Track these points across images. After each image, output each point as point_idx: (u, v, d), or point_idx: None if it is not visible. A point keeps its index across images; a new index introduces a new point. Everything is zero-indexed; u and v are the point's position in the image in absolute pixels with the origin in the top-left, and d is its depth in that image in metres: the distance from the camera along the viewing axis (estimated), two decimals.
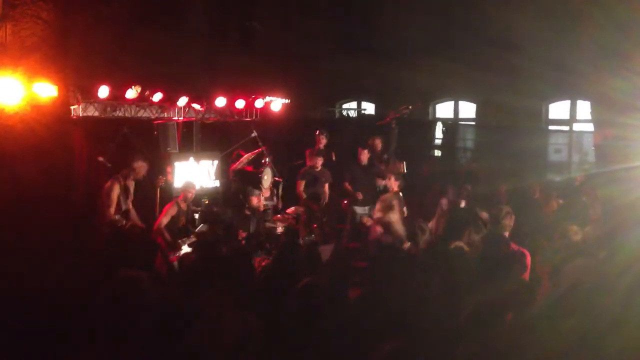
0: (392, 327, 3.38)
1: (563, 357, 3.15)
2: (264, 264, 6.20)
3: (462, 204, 7.26)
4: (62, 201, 4.77)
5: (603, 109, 4.06)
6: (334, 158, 9.21)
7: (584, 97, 10.64)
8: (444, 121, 12.76)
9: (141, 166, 7.04)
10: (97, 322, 3.31)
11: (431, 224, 6.95)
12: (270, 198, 8.22)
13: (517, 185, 7.60)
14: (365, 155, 8.59)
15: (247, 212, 7.48)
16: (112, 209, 6.67)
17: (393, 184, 7.48)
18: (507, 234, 5.40)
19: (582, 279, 3.68)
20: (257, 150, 9.52)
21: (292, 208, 8.23)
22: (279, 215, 7.96)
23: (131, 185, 7.04)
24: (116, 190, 6.74)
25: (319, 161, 8.47)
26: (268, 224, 7.81)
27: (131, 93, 8.08)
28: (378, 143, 8.95)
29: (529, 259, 5.06)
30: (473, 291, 3.86)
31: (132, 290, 3.39)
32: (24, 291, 4.14)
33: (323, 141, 9.02)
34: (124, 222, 6.67)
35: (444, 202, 7.30)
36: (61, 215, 4.73)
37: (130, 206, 7.03)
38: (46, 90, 4.45)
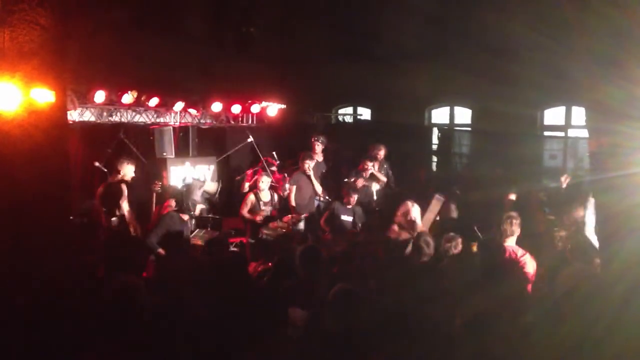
0: (389, 332, 3.39)
1: None
2: (259, 269, 6.19)
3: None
4: (59, 206, 4.75)
5: (598, 117, 4.08)
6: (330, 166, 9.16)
7: (579, 104, 10.69)
8: (440, 127, 12.80)
9: (128, 168, 6.99)
10: (94, 325, 3.32)
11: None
12: (270, 202, 8.13)
13: (514, 192, 7.61)
14: (368, 165, 8.54)
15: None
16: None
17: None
18: (508, 239, 5.43)
19: (577, 285, 3.71)
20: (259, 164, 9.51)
21: (289, 216, 8.17)
22: (276, 223, 7.87)
23: (124, 188, 7.01)
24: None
25: (307, 164, 8.43)
26: (266, 231, 7.71)
27: (127, 98, 8.09)
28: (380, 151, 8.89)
29: (529, 265, 5.06)
30: (469, 297, 3.88)
31: (128, 296, 3.41)
32: (21, 294, 4.14)
33: (318, 147, 9.00)
34: (119, 225, 6.64)
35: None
36: (58, 220, 4.72)
37: (126, 209, 7.00)
38: (43, 96, 4.43)
